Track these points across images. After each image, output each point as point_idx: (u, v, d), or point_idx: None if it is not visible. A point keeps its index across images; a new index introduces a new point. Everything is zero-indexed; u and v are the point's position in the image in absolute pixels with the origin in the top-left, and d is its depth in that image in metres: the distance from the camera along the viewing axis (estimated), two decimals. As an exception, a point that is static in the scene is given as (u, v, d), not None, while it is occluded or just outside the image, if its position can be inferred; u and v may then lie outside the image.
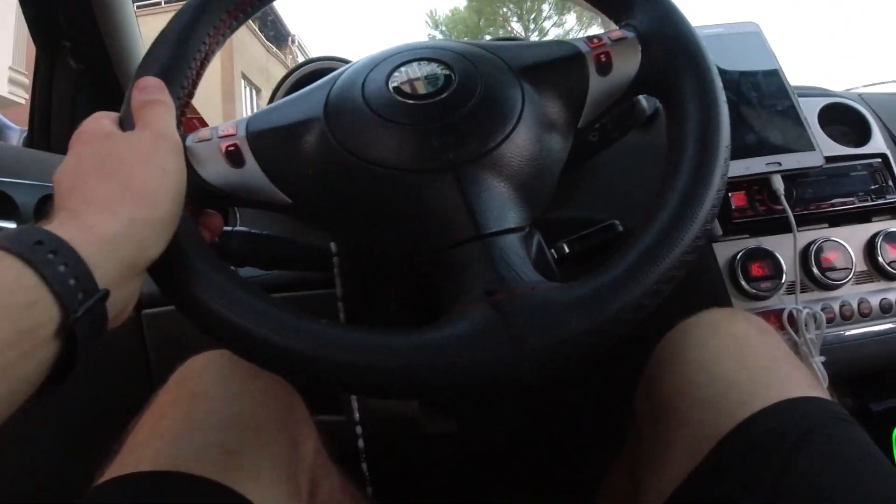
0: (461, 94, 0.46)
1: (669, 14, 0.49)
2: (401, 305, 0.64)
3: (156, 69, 0.45)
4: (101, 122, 0.42)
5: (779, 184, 0.69)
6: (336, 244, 0.61)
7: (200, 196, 0.45)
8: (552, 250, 0.61)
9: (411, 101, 0.45)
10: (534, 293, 0.39)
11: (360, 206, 0.47)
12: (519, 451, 0.93)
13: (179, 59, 0.46)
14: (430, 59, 0.48)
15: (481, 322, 0.38)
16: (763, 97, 0.73)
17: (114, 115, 0.43)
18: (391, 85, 0.46)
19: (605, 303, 0.38)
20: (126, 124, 0.42)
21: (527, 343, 0.37)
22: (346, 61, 0.72)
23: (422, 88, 0.46)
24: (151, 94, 0.43)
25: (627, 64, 0.49)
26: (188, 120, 0.48)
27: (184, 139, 0.45)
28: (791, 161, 0.70)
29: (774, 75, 0.75)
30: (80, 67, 0.81)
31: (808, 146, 0.71)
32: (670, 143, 0.46)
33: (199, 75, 0.48)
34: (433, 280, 0.45)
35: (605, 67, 0.49)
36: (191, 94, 0.47)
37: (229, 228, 0.58)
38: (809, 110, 0.76)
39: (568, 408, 0.85)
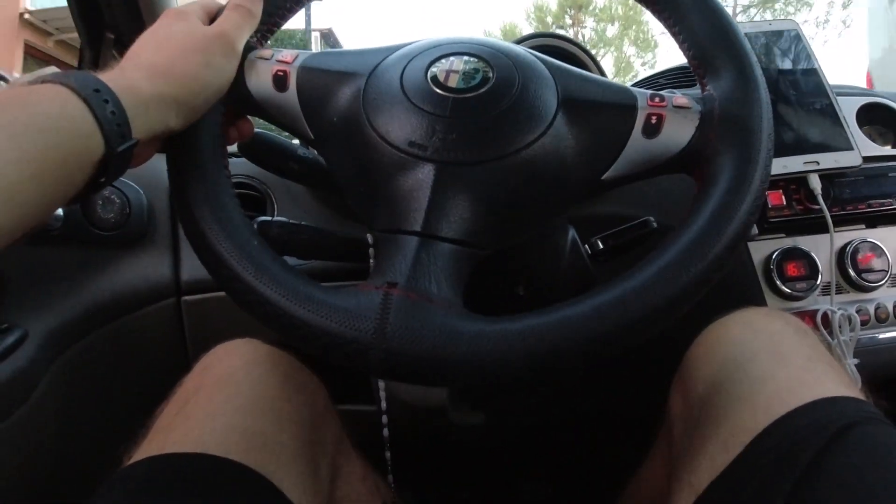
0: (486, 100, 0.45)
1: (751, 101, 0.43)
2: None
3: None
4: (193, 6, 0.48)
5: (816, 183, 0.68)
6: (371, 235, 0.62)
7: (240, 102, 0.50)
8: (586, 246, 0.62)
9: (438, 91, 0.46)
10: (428, 304, 0.39)
11: (356, 166, 0.48)
12: (545, 444, 0.94)
13: None
14: (479, 57, 0.47)
15: (363, 303, 0.39)
16: (801, 95, 0.73)
17: (214, 4, 0.49)
18: (430, 71, 0.47)
19: (480, 352, 0.37)
20: (215, 18, 0.48)
21: (386, 341, 0.37)
22: None
23: (454, 82, 0.46)
24: (246, 1, 0.49)
25: (677, 134, 0.44)
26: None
27: (251, 52, 0.50)
28: (829, 160, 0.69)
29: (813, 73, 0.75)
30: (111, 38, 0.82)
31: (847, 146, 0.71)
32: (691, 212, 0.41)
33: (298, 2, 0.53)
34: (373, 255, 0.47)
35: (652, 130, 0.44)
36: (284, 17, 0.53)
37: (268, 218, 0.60)
38: (848, 109, 0.75)
39: (598, 403, 0.85)
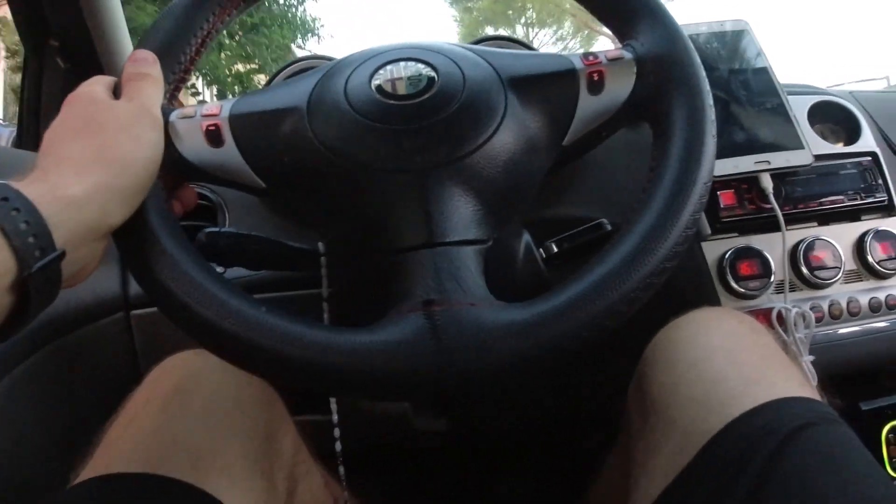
0: (441, 99, 0.45)
1: (672, 38, 0.47)
2: (377, 308, 0.64)
3: (154, 43, 0.47)
4: (93, 87, 0.44)
5: (767, 182, 0.69)
6: (324, 244, 0.61)
7: (177, 170, 0.46)
8: (541, 249, 0.61)
9: (390, 101, 0.45)
10: (472, 309, 0.39)
11: (328, 199, 0.47)
12: (508, 452, 0.93)
13: (179, 36, 0.47)
14: (417, 60, 0.47)
15: (411, 331, 0.38)
16: (752, 95, 0.73)
17: (109, 80, 0.45)
18: (374, 83, 0.46)
19: (542, 330, 0.38)
20: (116, 93, 0.44)
21: (452, 358, 0.37)
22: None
23: (403, 89, 0.46)
24: (142, 67, 0.45)
25: (620, 85, 0.47)
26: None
27: (170, 114, 0.46)
28: (780, 160, 0.70)
29: (764, 73, 0.75)
30: (68, 67, 0.81)
31: (798, 144, 0.71)
32: (650, 170, 0.45)
33: (198, 53, 0.49)
34: (386, 284, 0.45)
35: (596, 86, 0.47)
36: (188, 71, 0.49)
37: (216, 229, 0.58)
38: (799, 108, 0.76)
39: (558, 405, 0.84)
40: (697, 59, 0.47)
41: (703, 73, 0.46)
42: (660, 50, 0.47)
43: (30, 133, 0.84)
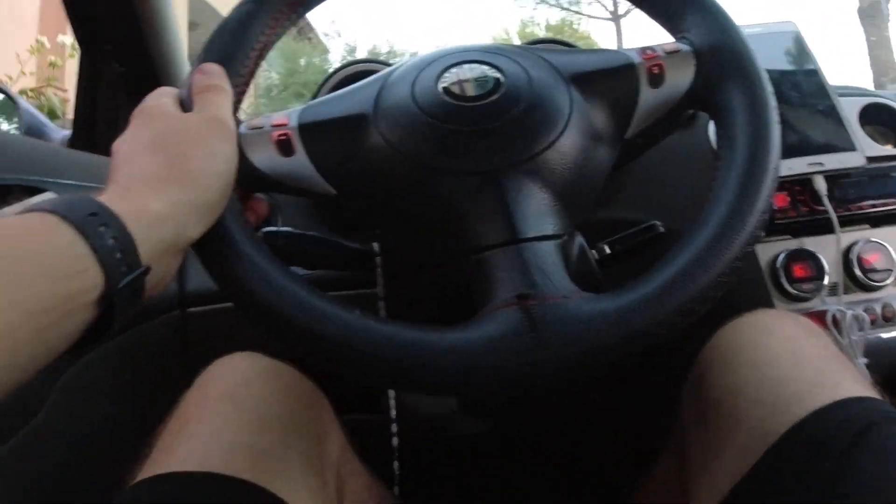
0: (509, 99, 0.46)
1: (726, 29, 0.48)
2: (441, 306, 0.64)
3: (216, 56, 0.47)
4: (162, 99, 0.44)
5: (821, 184, 0.69)
6: (379, 244, 0.62)
7: (249, 181, 0.47)
8: (593, 251, 0.62)
9: (459, 103, 0.46)
10: (565, 302, 0.40)
11: (402, 203, 0.48)
12: (554, 453, 0.93)
13: (239, 48, 0.48)
14: (481, 62, 0.48)
15: (510, 326, 0.39)
16: (803, 97, 0.73)
17: (177, 92, 0.45)
18: (441, 85, 0.47)
19: (636, 318, 0.38)
20: (185, 105, 0.44)
21: (552, 351, 0.38)
22: (388, 64, 0.73)
23: (471, 90, 0.46)
24: (212, 78, 0.45)
25: (680, 77, 0.48)
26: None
27: (239, 126, 0.46)
28: (833, 161, 0.69)
29: (814, 75, 0.75)
30: (122, 70, 0.82)
31: (850, 146, 0.71)
32: (718, 161, 0.46)
33: (256, 65, 0.50)
34: (468, 282, 0.46)
35: (657, 79, 0.48)
36: (247, 83, 0.49)
37: (274, 228, 0.59)
38: (850, 110, 0.75)
39: (607, 409, 0.84)
40: (750, 46, 0.48)
41: (758, 60, 0.47)
42: (715, 41, 0.48)
43: (85, 135, 0.86)
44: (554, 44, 0.91)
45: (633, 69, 0.49)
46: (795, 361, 0.47)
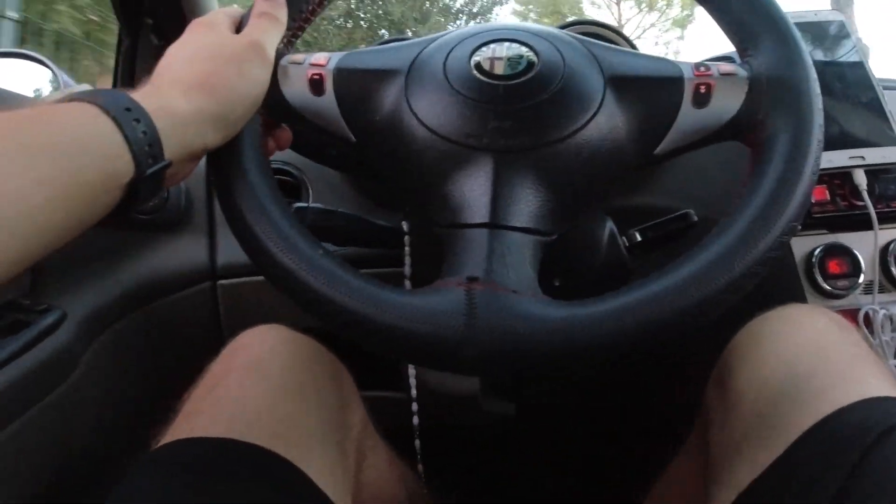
0: (536, 84, 0.45)
1: (794, 61, 0.43)
2: None
3: None
4: (218, 16, 0.46)
5: (861, 179, 0.67)
6: (407, 224, 0.62)
7: (277, 110, 0.48)
8: (624, 238, 0.61)
9: (484, 79, 0.45)
10: (512, 296, 0.39)
11: (407, 164, 0.48)
12: (574, 437, 0.93)
13: None
14: (520, 42, 0.47)
15: (448, 300, 0.39)
16: (847, 88, 0.71)
17: (237, 12, 0.48)
18: (474, 59, 0.46)
19: (578, 333, 0.37)
20: (240, 27, 0.46)
21: (477, 337, 0.37)
22: None
23: (500, 69, 0.46)
24: (271, 7, 0.47)
25: (727, 102, 0.44)
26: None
27: (282, 57, 0.48)
28: (875, 156, 0.67)
29: (859, 66, 0.73)
30: (161, 44, 0.83)
31: (892, 141, 0.69)
32: (746, 187, 0.42)
33: (320, 5, 0.51)
34: (440, 254, 0.46)
35: (702, 99, 0.45)
36: (307, 20, 0.51)
37: (304, 204, 0.60)
38: (894, 103, 0.73)
39: (629, 398, 0.84)
40: (817, 86, 0.43)
41: (819, 102, 0.43)
42: (778, 72, 0.43)
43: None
44: (607, 30, 0.89)
45: (680, 84, 0.45)
46: (823, 357, 0.46)
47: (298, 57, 0.49)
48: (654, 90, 0.46)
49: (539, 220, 0.44)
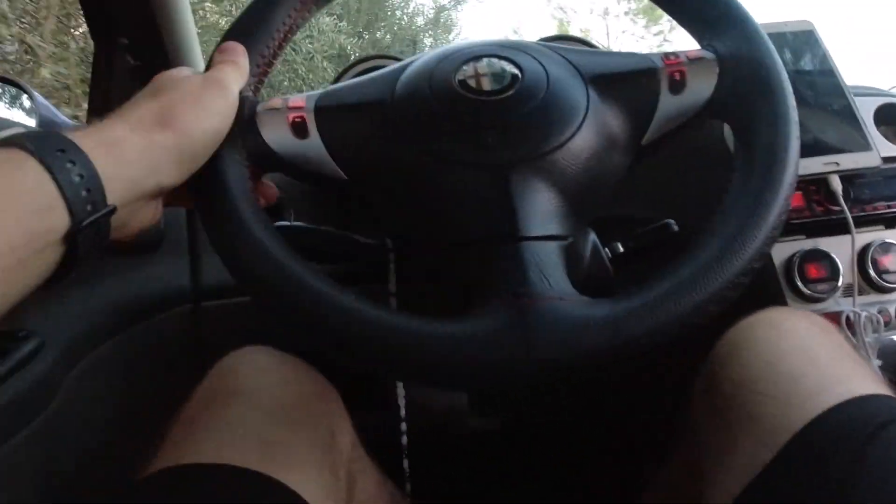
0: (525, 95, 0.46)
1: (754, 39, 0.47)
2: (450, 302, 0.64)
3: (240, 35, 0.48)
4: (180, 69, 0.45)
5: (837, 184, 0.68)
6: (391, 240, 0.62)
7: (262, 159, 0.47)
8: (606, 249, 0.61)
9: (474, 96, 0.46)
10: (560, 303, 0.39)
11: (409, 192, 0.47)
12: (564, 451, 0.93)
13: (264, 28, 0.49)
14: (500, 57, 0.48)
15: (503, 322, 0.38)
16: (819, 96, 0.73)
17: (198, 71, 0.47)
18: (458, 78, 0.47)
19: (626, 326, 0.38)
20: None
21: (541, 351, 0.37)
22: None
23: (487, 85, 0.46)
24: (229, 55, 0.46)
25: (702, 85, 0.47)
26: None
27: (257, 105, 0.47)
28: (849, 161, 0.69)
29: (830, 74, 0.74)
30: (137, 64, 0.83)
31: (866, 146, 0.70)
32: (734, 172, 0.45)
33: (280, 47, 0.50)
34: (468, 276, 0.46)
35: (678, 86, 0.47)
36: (270, 64, 0.50)
37: (286, 223, 0.59)
38: (865, 110, 0.74)
39: (615, 406, 0.84)
40: (779, 61, 0.47)
41: (786, 75, 0.46)
42: (742, 51, 0.47)
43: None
44: (576, 42, 0.91)
45: (655, 74, 0.48)
46: (809, 358, 0.46)
47: (275, 102, 0.48)
48: (632, 84, 0.48)
49: (556, 225, 0.45)
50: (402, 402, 0.67)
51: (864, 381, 0.44)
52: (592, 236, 0.61)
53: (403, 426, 0.66)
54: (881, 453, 0.38)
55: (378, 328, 0.39)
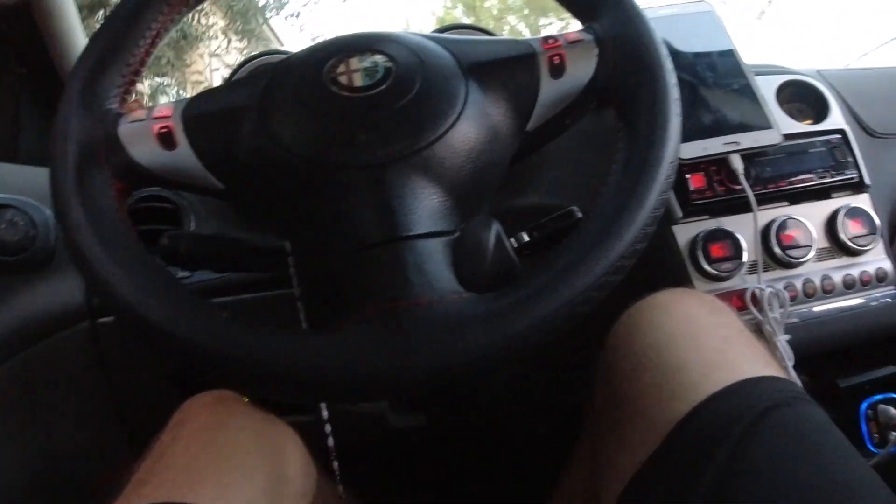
0: (397, 89, 0.44)
1: (632, 19, 0.47)
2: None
3: (102, 45, 0.46)
4: None
5: (738, 163, 0.69)
6: (290, 243, 0.60)
7: (129, 175, 0.45)
8: (512, 240, 0.61)
9: (344, 94, 0.44)
10: (439, 303, 0.38)
11: (285, 198, 0.46)
12: (482, 446, 0.93)
13: (128, 36, 0.46)
14: (374, 51, 0.46)
15: (376, 330, 0.37)
16: (718, 77, 0.73)
17: None
18: (328, 75, 0.45)
19: (509, 323, 0.37)
20: None
21: (418, 356, 0.36)
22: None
23: (358, 80, 0.45)
24: None
25: (582, 68, 0.47)
26: (136, 102, 0.48)
27: (119, 118, 0.45)
28: (749, 140, 0.69)
29: (729, 55, 0.75)
30: (22, 72, 0.79)
31: (766, 124, 0.71)
32: (615, 153, 0.44)
33: (147, 54, 0.48)
34: (348, 282, 0.44)
35: (557, 70, 0.47)
36: (138, 72, 0.47)
37: (177, 232, 0.57)
38: (767, 88, 0.75)
39: (530, 396, 0.84)
40: (658, 39, 0.46)
41: (665, 52, 0.46)
42: (620, 31, 0.46)
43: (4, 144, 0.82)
44: (471, 30, 0.90)
45: (534, 59, 0.47)
46: (693, 343, 0.46)
47: (139, 113, 0.46)
48: (511, 70, 0.47)
49: (439, 220, 0.43)
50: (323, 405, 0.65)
51: (751, 362, 0.44)
52: (496, 227, 0.60)
53: (328, 428, 0.65)
54: (764, 441, 0.37)
55: (239, 347, 0.37)
